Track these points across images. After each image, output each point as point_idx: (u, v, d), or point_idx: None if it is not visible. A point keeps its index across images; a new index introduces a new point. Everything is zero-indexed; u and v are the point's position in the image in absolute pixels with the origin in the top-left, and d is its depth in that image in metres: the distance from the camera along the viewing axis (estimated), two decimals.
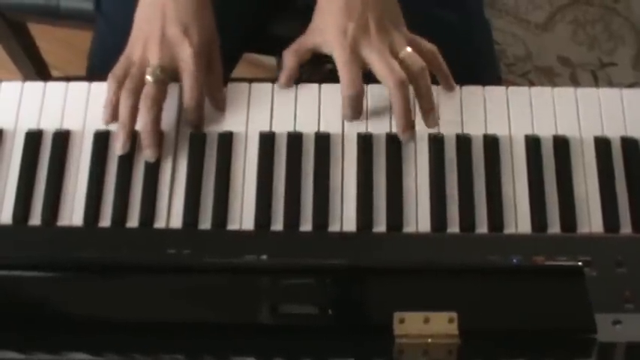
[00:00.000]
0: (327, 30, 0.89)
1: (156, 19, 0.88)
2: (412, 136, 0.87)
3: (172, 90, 0.88)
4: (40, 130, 0.88)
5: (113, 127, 0.88)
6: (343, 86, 0.86)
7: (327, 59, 0.90)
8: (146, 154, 0.86)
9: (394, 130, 0.88)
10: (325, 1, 0.91)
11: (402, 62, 0.87)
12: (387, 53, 0.87)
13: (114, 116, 0.87)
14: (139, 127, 0.86)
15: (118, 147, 0.86)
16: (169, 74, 0.87)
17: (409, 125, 0.86)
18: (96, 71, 0.90)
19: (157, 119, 0.86)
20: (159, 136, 0.87)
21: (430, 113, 0.88)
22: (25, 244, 0.84)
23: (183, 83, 0.87)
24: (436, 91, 0.90)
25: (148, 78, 0.86)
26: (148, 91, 0.86)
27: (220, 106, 0.90)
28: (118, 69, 0.88)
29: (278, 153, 0.87)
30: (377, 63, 0.86)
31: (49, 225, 0.85)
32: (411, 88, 0.87)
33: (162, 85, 0.87)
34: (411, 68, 0.87)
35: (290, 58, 0.91)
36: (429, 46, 0.90)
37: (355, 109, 0.87)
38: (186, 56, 0.87)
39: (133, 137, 0.86)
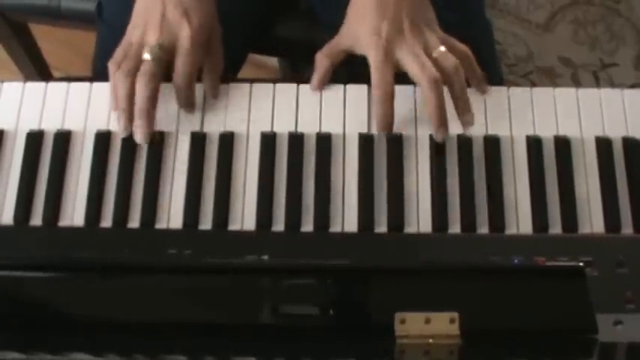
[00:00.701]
0: (360, 31, 0.89)
1: (156, 4, 0.89)
2: (446, 135, 0.86)
3: (173, 89, 0.88)
4: (41, 130, 0.89)
5: (114, 128, 0.88)
6: (375, 86, 0.86)
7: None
8: (136, 136, 0.86)
9: (395, 130, 0.88)
10: (358, 1, 0.91)
11: (435, 62, 0.86)
12: (421, 53, 0.86)
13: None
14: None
15: (121, 129, 0.86)
16: (167, 53, 0.87)
17: (443, 123, 0.86)
18: (101, 78, 0.90)
19: (153, 97, 0.86)
20: (152, 116, 0.86)
21: (466, 113, 0.87)
22: (27, 244, 0.84)
23: (176, 60, 0.87)
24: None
25: (146, 56, 0.86)
26: (145, 68, 0.86)
27: (215, 93, 0.90)
28: (117, 54, 0.88)
29: (279, 153, 0.87)
30: (410, 63, 0.86)
31: (50, 225, 0.85)
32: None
33: (160, 63, 0.87)
34: (445, 68, 0.86)
35: (323, 60, 0.91)
36: (463, 46, 0.90)
37: (386, 108, 0.86)
38: (183, 36, 0.87)
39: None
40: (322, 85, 0.90)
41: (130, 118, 0.86)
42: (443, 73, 0.86)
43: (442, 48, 0.88)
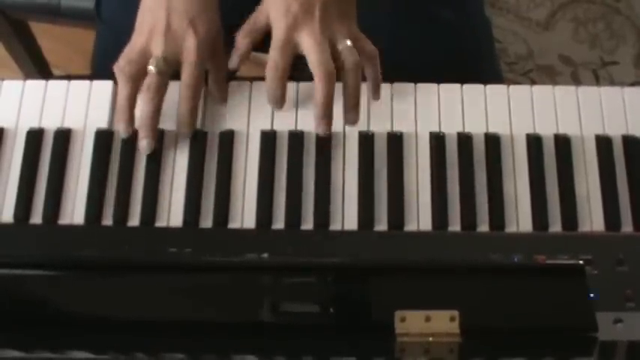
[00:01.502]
0: (272, 8, 0.88)
1: (161, 10, 0.88)
2: (328, 129, 0.86)
3: (174, 89, 0.88)
4: (41, 128, 0.88)
5: (115, 126, 0.88)
6: (268, 66, 0.86)
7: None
8: (142, 146, 0.86)
9: (396, 128, 0.88)
10: None
11: (337, 54, 0.86)
12: (325, 42, 0.86)
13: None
14: (137, 116, 0.86)
15: (121, 132, 0.87)
16: (172, 65, 0.87)
17: (326, 117, 0.86)
18: (100, 77, 0.90)
19: (156, 111, 0.86)
20: (156, 129, 0.86)
21: (351, 110, 0.87)
22: (27, 242, 0.84)
23: (182, 71, 0.87)
24: (436, 89, 0.90)
25: (151, 68, 0.86)
26: (150, 82, 0.86)
27: (223, 97, 0.90)
28: (121, 60, 0.88)
29: (279, 151, 0.87)
30: (310, 49, 0.85)
31: (50, 224, 0.85)
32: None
33: (165, 77, 0.87)
34: (345, 61, 0.86)
35: (242, 39, 0.90)
36: (372, 47, 0.89)
37: (276, 90, 0.86)
38: (189, 47, 0.87)
39: (134, 135, 0.87)
40: (242, 64, 0.90)
41: (129, 123, 0.86)
42: (341, 67, 0.86)
43: (348, 42, 0.87)
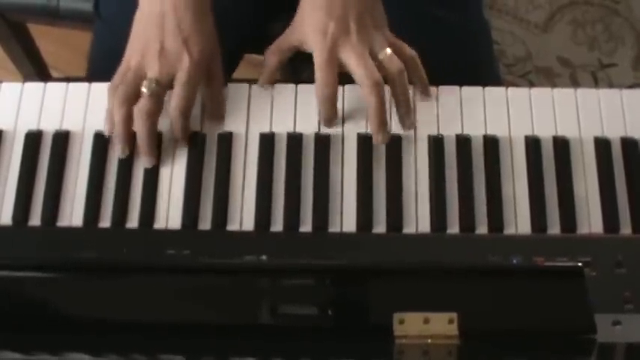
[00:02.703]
0: (307, 29, 0.88)
1: (154, 29, 0.87)
2: (386, 138, 0.87)
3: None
4: (39, 130, 0.88)
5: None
6: (318, 87, 0.86)
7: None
8: (143, 161, 0.86)
9: (394, 130, 0.88)
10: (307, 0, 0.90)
11: (380, 64, 0.87)
12: (366, 54, 0.86)
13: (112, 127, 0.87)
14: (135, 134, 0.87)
15: (119, 154, 0.87)
16: (166, 87, 0.87)
17: (382, 127, 0.86)
18: (95, 75, 0.89)
19: (152, 131, 0.86)
20: (155, 146, 0.86)
21: (406, 116, 0.88)
22: (25, 244, 0.84)
23: (173, 91, 0.87)
24: (435, 91, 0.90)
25: (144, 91, 0.86)
26: (142, 104, 0.85)
27: (220, 117, 0.89)
28: (115, 78, 0.88)
29: (278, 153, 0.87)
30: (354, 64, 0.86)
31: (48, 225, 0.85)
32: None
33: (158, 99, 0.86)
34: (389, 70, 0.87)
35: (271, 57, 0.91)
36: (410, 50, 0.89)
37: (329, 110, 0.87)
38: (182, 68, 0.86)
39: (133, 138, 0.87)
40: (271, 83, 0.90)
41: (127, 145, 0.86)
42: (386, 75, 0.86)
43: (388, 50, 0.87)
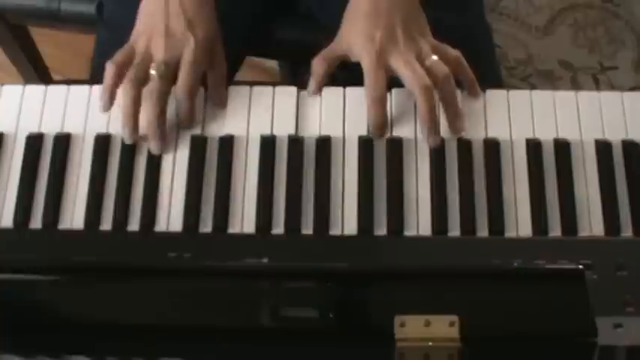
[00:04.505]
0: (355, 38, 0.90)
1: (160, 13, 0.89)
2: (438, 141, 0.87)
3: (173, 92, 0.88)
4: (41, 133, 0.89)
5: (114, 131, 0.88)
6: (368, 89, 0.87)
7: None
8: (151, 147, 0.87)
9: (395, 133, 0.88)
10: (353, 8, 0.92)
11: (428, 70, 0.87)
12: (413, 59, 0.87)
13: (111, 102, 0.88)
14: (143, 121, 0.86)
15: (125, 137, 0.87)
16: (173, 69, 0.88)
17: (435, 130, 0.87)
18: (98, 77, 0.90)
19: (162, 115, 0.87)
20: (164, 131, 0.87)
21: (456, 120, 0.88)
22: (26, 247, 0.84)
23: (179, 72, 0.88)
24: (436, 95, 0.90)
25: (153, 73, 0.87)
26: (153, 86, 0.86)
27: (222, 102, 0.90)
28: (118, 55, 0.89)
29: (279, 156, 0.87)
30: (403, 69, 0.87)
31: (49, 229, 0.85)
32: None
33: (167, 81, 0.87)
34: (436, 75, 0.87)
35: (319, 65, 0.91)
36: (454, 52, 0.90)
37: (378, 113, 0.87)
38: (188, 50, 0.88)
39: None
40: (320, 91, 0.91)
41: (135, 128, 0.87)
42: (434, 80, 0.87)
43: (434, 57, 0.88)
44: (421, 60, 0.88)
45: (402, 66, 0.87)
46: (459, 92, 0.90)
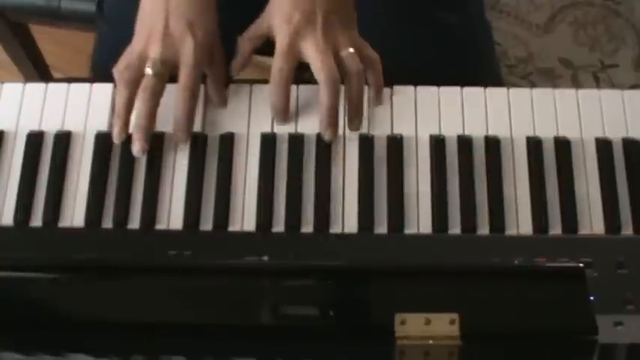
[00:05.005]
0: (274, 17, 0.89)
1: (159, 13, 0.88)
2: (334, 135, 0.86)
3: (173, 91, 0.88)
4: (41, 131, 0.89)
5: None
6: (273, 70, 0.86)
7: None
8: (134, 149, 0.86)
9: (396, 131, 0.88)
10: None
11: (340, 61, 0.87)
12: (328, 51, 0.86)
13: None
14: (132, 118, 0.86)
15: (114, 136, 0.87)
16: (169, 68, 0.87)
17: (332, 124, 0.86)
18: (98, 74, 0.90)
19: (151, 113, 0.86)
20: (150, 131, 0.86)
21: (355, 117, 0.88)
22: (27, 245, 0.84)
23: (180, 74, 0.87)
24: (437, 91, 0.90)
25: (148, 70, 0.86)
26: (146, 83, 0.86)
27: (222, 101, 0.90)
28: (120, 62, 0.88)
29: (279, 154, 0.87)
30: (313, 57, 0.86)
31: (50, 226, 0.85)
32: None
33: (161, 79, 0.86)
34: (347, 69, 0.87)
35: (244, 44, 0.91)
36: (373, 53, 0.89)
37: (281, 96, 0.87)
38: (187, 49, 0.87)
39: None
40: (243, 68, 0.91)
41: (124, 127, 0.86)
42: (344, 74, 0.86)
43: (350, 50, 0.87)
44: (336, 51, 0.87)
45: (313, 53, 0.86)
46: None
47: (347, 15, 0.90)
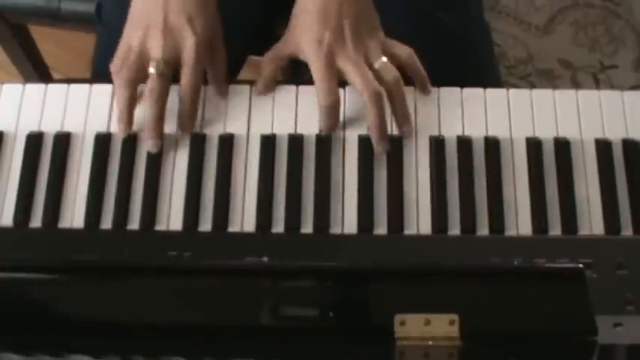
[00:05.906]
0: (303, 39, 0.88)
1: (157, 9, 0.87)
2: (387, 147, 0.87)
3: (173, 91, 0.88)
4: (41, 132, 0.89)
5: (114, 130, 0.88)
6: (320, 97, 0.86)
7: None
8: (149, 146, 0.86)
9: (395, 132, 0.88)
10: (301, 8, 0.90)
11: (376, 73, 0.87)
12: (363, 64, 0.87)
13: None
14: (141, 119, 0.87)
15: (119, 132, 0.87)
16: (172, 67, 0.87)
17: (383, 136, 0.86)
18: (100, 78, 0.90)
19: (161, 114, 0.86)
20: (162, 130, 0.87)
21: (404, 124, 0.88)
22: (26, 246, 0.84)
23: (182, 72, 0.87)
24: (436, 92, 0.90)
25: (152, 72, 0.86)
26: (152, 86, 0.86)
27: (223, 95, 0.90)
28: (116, 58, 0.88)
29: (279, 155, 0.87)
30: (352, 74, 0.86)
31: (49, 227, 0.85)
32: None
33: (166, 79, 0.86)
34: (385, 79, 0.87)
35: (268, 65, 0.91)
36: (406, 50, 0.90)
37: (332, 118, 0.87)
38: (188, 47, 0.86)
39: (134, 138, 0.86)
40: (268, 91, 0.90)
41: (127, 127, 0.86)
42: (383, 85, 0.86)
43: (384, 58, 0.88)
44: (370, 62, 0.87)
45: (351, 70, 0.86)
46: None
47: (372, 21, 0.90)
